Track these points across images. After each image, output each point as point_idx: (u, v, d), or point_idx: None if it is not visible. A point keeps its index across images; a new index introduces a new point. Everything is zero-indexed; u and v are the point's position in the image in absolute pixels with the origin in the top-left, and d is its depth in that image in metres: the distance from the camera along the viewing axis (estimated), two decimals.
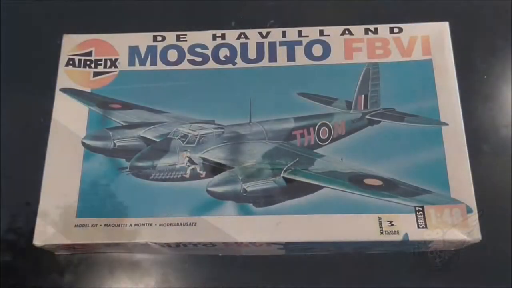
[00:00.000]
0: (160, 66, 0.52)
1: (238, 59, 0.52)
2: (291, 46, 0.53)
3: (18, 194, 0.53)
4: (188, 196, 0.47)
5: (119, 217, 0.46)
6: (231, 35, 0.53)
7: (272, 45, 0.53)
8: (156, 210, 0.46)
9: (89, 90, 0.51)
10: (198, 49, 0.53)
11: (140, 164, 0.48)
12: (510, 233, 0.51)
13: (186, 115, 0.50)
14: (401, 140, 0.48)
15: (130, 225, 0.46)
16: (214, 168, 0.48)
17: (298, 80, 0.51)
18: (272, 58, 0.52)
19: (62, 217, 0.46)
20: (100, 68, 0.52)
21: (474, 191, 0.46)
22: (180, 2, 0.62)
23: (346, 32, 0.53)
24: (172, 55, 0.53)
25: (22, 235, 0.48)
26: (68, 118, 0.50)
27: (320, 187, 0.46)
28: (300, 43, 0.53)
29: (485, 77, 0.58)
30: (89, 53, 0.53)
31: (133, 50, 0.53)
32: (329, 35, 0.53)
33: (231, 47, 0.53)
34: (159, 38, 0.53)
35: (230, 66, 0.52)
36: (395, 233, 0.44)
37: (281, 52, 0.52)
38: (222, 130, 0.49)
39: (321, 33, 0.53)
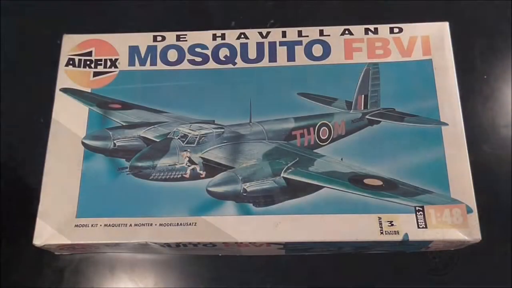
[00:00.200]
0: (160, 66, 0.52)
1: (238, 59, 0.52)
2: (291, 46, 0.52)
3: (18, 194, 0.53)
4: (188, 196, 0.47)
5: (119, 217, 0.46)
6: (231, 35, 0.53)
7: (272, 45, 0.53)
8: (156, 210, 0.46)
9: (89, 90, 0.51)
10: (198, 49, 0.53)
11: (140, 164, 0.48)
12: (510, 233, 0.51)
13: (186, 115, 0.50)
14: (401, 140, 0.48)
15: (130, 225, 0.46)
16: (214, 168, 0.48)
17: (298, 80, 0.51)
18: (272, 58, 0.52)
19: (62, 217, 0.46)
20: (100, 68, 0.52)
21: (474, 191, 0.46)
22: (180, 2, 0.62)
23: (346, 32, 0.53)
24: (172, 55, 0.53)
25: (22, 235, 0.48)
26: (68, 118, 0.50)
27: (320, 187, 0.46)
28: (300, 43, 0.53)
29: (485, 77, 0.58)
30: (89, 53, 0.53)
31: (133, 50, 0.53)
32: (329, 35, 0.53)
33: (231, 47, 0.53)
34: (159, 38, 0.53)
35: (230, 66, 0.52)
36: (395, 233, 0.44)
37: (281, 52, 0.52)
38: (222, 130, 0.49)
39: (321, 33, 0.53)
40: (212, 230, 0.45)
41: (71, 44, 0.53)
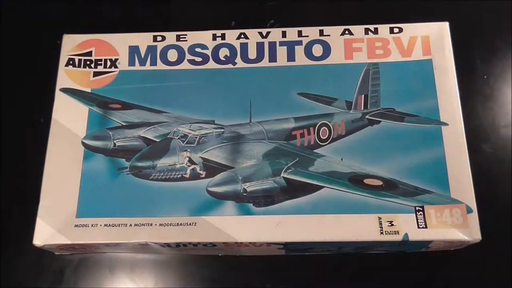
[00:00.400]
0: (160, 66, 0.52)
1: (238, 59, 0.52)
2: (291, 46, 0.53)
3: (18, 194, 0.53)
4: (188, 196, 0.47)
5: (119, 217, 0.46)
6: (231, 35, 0.53)
7: (272, 45, 0.53)
8: (156, 210, 0.46)
9: (89, 90, 0.51)
10: (198, 49, 0.53)
11: (140, 164, 0.48)
12: (510, 233, 0.51)
13: (186, 115, 0.50)
14: (401, 140, 0.48)
15: (130, 225, 0.46)
16: (214, 168, 0.48)
17: (298, 80, 0.51)
18: (272, 58, 0.52)
19: (62, 217, 0.46)
20: (100, 68, 0.52)
21: (474, 191, 0.46)
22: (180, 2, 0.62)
23: (346, 32, 0.53)
24: (172, 55, 0.53)
25: (22, 235, 0.48)
26: (68, 118, 0.50)
27: (320, 187, 0.46)
28: (300, 43, 0.53)
29: (485, 77, 0.58)
30: (89, 53, 0.53)
31: (133, 50, 0.53)
32: (329, 35, 0.53)
33: (231, 47, 0.53)
34: (159, 38, 0.53)
35: (230, 66, 0.52)
36: (395, 233, 0.44)
37: (281, 52, 0.52)
38: (222, 130, 0.49)
39: (321, 33, 0.53)
40: (212, 230, 0.45)
41: (71, 44, 0.53)
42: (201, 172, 0.48)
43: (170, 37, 0.53)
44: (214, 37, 0.53)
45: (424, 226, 0.45)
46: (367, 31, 0.53)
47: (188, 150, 0.49)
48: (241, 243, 0.45)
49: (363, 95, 0.51)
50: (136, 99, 0.51)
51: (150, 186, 0.47)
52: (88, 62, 0.52)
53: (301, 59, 0.52)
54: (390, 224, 0.45)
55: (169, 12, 0.62)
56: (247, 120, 0.50)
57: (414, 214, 0.45)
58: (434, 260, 0.50)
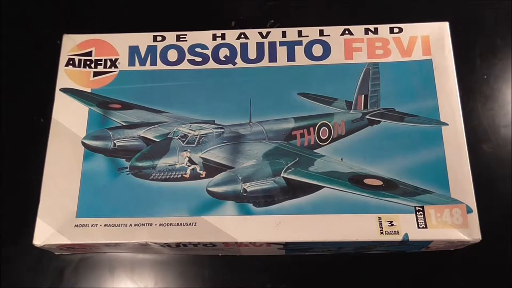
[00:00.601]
0: (160, 66, 0.52)
1: (238, 59, 0.52)
2: (291, 46, 0.52)
3: (18, 194, 0.53)
4: (188, 196, 0.47)
5: (119, 217, 0.46)
6: (231, 35, 0.53)
7: (272, 45, 0.53)
8: (156, 210, 0.46)
9: (89, 90, 0.51)
10: (198, 49, 0.53)
11: (140, 164, 0.48)
12: (510, 233, 0.51)
13: (186, 115, 0.50)
14: (401, 140, 0.48)
15: (130, 225, 0.46)
16: (214, 168, 0.48)
17: (298, 80, 0.51)
18: (272, 58, 0.52)
19: (62, 217, 0.46)
20: (100, 68, 0.52)
21: (474, 191, 0.46)
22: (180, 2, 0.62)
23: (346, 32, 0.53)
24: (172, 55, 0.53)
25: (22, 235, 0.48)
26: (68, 118, 0.50)
27: (320, 187, 0.46)
28: (300, 43, 0.53)
29: (485, 77, 0.58)
30: (89, 53, 0.53)
31: (133, 50, 0.53)
32: (329, 35, 0.53)
33: (231, 47, 0.53)
34: (159, 38, 0.53)
35: (230, 66, 0.52)
36: (395, 233, 0.44)
37: (281, 52, 0.52)
38: (222, 130, 0.49)
39: (321, 33, 0.53)
40: (212, 230, 0.45)
41: (71, 44, 0.53)
42: (201, 172, 0.48)
43: (170, 37, 0.53)
44: (214, 37, 0.53)
45: (424, 226, 0.45)
46: (367, 31, 0.53)
47: (188, 150, 0.49)
48: (241, 243, 0.45)
49: (363, 95, 0.51)
50: (136, 99, 0.51)
51: (150, 186, 0.47)
52: (88, 62, 0.52)
53: (301, 59, 0.52)
54: (390, 224, 0.45)
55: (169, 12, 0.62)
56: (247, 120, 0.50)
57: (414, 214, 0.45)
58: (434, 260, 0.50)
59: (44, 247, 0.46)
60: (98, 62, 0.53)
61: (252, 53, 0.52)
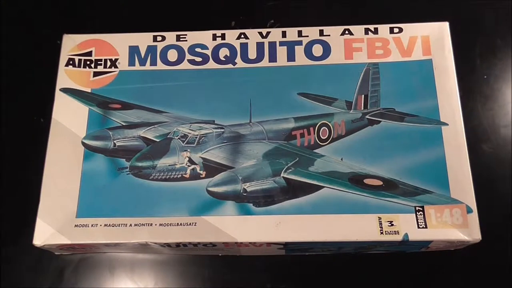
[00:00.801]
0: (160, 66, 0.52)
1: (238, 59, 0.52)
2: (291, 46, 0.52)
3: (18, 194, 0.53)
4: (188, 196, 0.47)
5: (119, 217, 0.46)
6: (231, 35, 0.53)
7: (272, 45, 0.53)
8: (156, 210, 0.46)
9: (89, 90, 0.51)
10: (198, 49, 0.53)
11: (140, 164, 0.48)
12: (510, 233, 0.51)
13: (186, 115, 0.50)
14: (401, 140, 0.48)
15: (130, 225, 0.46)
16: (214, 168, 0.48)
17: (298, 80, 0.51)
18: (272, 58, 0.52)
19: (62, 217, 0.46)
20: (100, 68, 0.52)
21: (474, 191, 0.46)
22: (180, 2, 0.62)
23: (346, 32, 0.53)
24: (172, 55, 0.53)
25: (22, 235, 0.48)
26: (68, 118, 0.50)
27: (320, 187, 0.46)
28: (300, 43, 0.53)
29: (485, 77, 0.58)
30: (89, 53, 0.53)
31: (133, 50, 0.53)
32: (329, 35, 0.53)
33: (231, 47, 0.53)
34: (159, 38, 0.53)
35: (230, 66, 0.52)
36: (395, 233, 0.44)
37: (281, 52, 0.52)
38: (222, 130, 0.49)
39: (321, 33, 0.53)
40: (212, 230, 0.45)
41: (71, 44, 0.53)
42: (201, 172, 0.48)
43: (170, 37, 0.53)
44: (214, 37, 0.53)
45: (424, 226, 0.45)
46: (367, 31, 0.53)
47: (188, 150, 0.49)
48: (241, 243, 0.45)
49: (363, 95, 0.51)
50: (136, 99, 0.51)
51: (150, 186, 0.47)
52: (88, 62, 0.52)
53: (301, 59, 0.52)
54: (390, 224, 0.45)
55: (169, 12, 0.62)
56: (247, 120, 0.50)
57: (414, 214, 0.45)
58: (434, 260, 0.50)
59: (44, 247, 0.46)
60: (98, 62, 0.53)
61: (252, 53, 0.52)
